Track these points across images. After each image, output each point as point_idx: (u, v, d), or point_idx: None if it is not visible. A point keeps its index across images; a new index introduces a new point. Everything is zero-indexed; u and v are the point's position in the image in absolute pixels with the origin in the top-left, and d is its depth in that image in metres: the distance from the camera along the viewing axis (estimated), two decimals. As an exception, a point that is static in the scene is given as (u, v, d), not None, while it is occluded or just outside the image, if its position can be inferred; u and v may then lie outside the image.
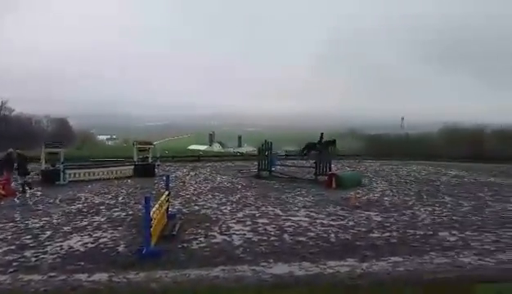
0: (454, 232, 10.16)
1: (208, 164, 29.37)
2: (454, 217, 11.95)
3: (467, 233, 10.08)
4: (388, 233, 10.01)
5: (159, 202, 9.52)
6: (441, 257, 8.17)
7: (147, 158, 22.71)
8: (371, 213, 12.45)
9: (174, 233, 9.63)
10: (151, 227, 8.03)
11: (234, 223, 10.93)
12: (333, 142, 22.41)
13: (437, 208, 13.31)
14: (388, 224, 10.96)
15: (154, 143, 25.81)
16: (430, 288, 6.44)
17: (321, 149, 20.19)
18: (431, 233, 10.09)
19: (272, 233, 9.94)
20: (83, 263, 7.59)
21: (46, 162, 19.14)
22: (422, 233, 10.09)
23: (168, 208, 11.12)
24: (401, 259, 8.05)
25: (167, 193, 11.00)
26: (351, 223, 11.12)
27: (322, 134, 23.60)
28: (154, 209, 8.52)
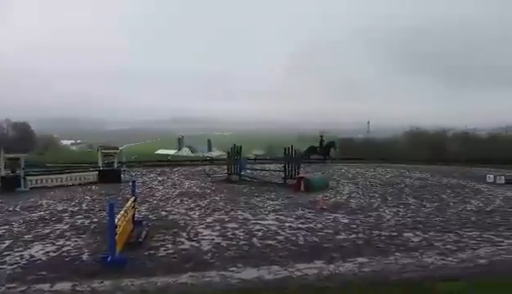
0: (418, 232, 10.47)
1: (177, 169, 29.01)
2: (417, 218, 12.32)
3: (430, 233, 10.41)
4: (354, 235, 10.20)
5: (125, 208, 9.30)
6: (405, 257, 8.39)
7: (113, 163, 22.19)
8: (338, 215, 12.66)
9: (140, 240, 9.43)
10: (116, 234, 7.82)
11: (202, 228, 10.83)
12: (332, 143, 22.51)
13: (401, 210, 13.69)
14: (354, 226, 11.17)
15: (121, 148, 25.25)
16: (395, 288, 6.57)
17: (322, 152, 20.05)
18: (396, 234, 10.36)
19: (241, 237, 9.92)
20: (45, 272, 7.31)
21: (5, 168, 18.33)
22: (387, 234, 10.34)
23: (134, 215, 10.88)
24: (367, 260, 8.21)
25: (133, 199, 10.77)
26: (319, 225, 11.26)
27: (322, 136, 23.60)
28: (119, 216, 8.32)
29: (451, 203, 15.00)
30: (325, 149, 28.62)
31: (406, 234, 10.28)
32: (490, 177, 21.39)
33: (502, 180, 20.64)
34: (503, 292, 6.31)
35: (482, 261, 8.16)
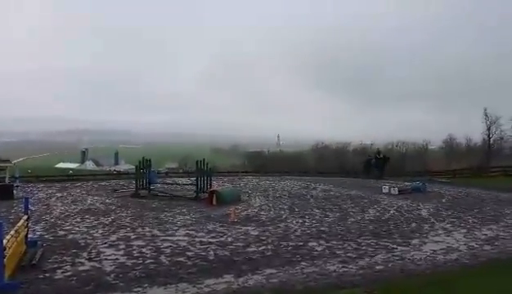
0: (321, 242, 11.01)
1: (80, 184, 27.02)
2: (321, 228, 12.98)
3: (333, 242, 11.01)
4: (263, 247, 10.39)
5: (16, 228, 8.36)
6: (310, 266, 8.74)
7: (4, 178, 19.97)
8: (249, 228, 12.81)
9: (34, 262, 8.53)
10: (5, 257, 6.98)
11: (105, 247, 10.14)
12: (387, 159, 22.75)
13: (307, 220, 14.32)
14: (264, 238, 11.38)
15: (14, 161, 22.83)
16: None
17: (377, 164, 20.13)
18: (302, 243, 10.78)
19: (148, 255, 9.49)
20: None
21: None
22: (294, 244, 10.72)
23: (27, 235, 9.82)
24: (275, 271, 8.39)
25: (26, 217, 9.71)
26: (230, 239, 11.26)
27: (379, 149, 23.71)
28: (8, 236, 7.45)
29: (351, 213, 16.09)
30: (381, 162, 28.43)
31: (310, 244, 10.75)
32: (385, 188, 23.40)
33: (396, 190, 22.72)
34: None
35: (379, 267, 8.81)
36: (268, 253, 9.79)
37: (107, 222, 13.56)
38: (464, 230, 12.80)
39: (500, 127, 55.92)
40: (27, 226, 9.85)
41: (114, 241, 10.85)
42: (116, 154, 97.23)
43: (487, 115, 56.62)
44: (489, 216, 15.49)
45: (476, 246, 10.82)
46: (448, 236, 12.00)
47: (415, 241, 11.27)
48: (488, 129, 56.94)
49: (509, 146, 53.74)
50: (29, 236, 10.17)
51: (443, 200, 20.00)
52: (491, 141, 57.21)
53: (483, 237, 11.88)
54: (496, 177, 31.72)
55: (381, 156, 28.52)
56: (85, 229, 12.29)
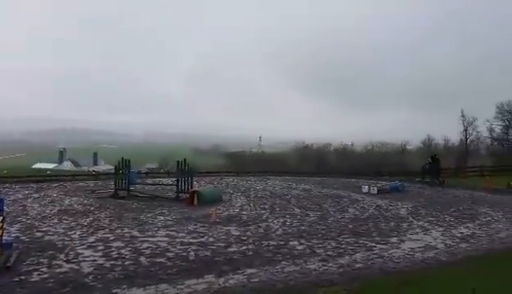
0: (302, 241, 11.08)
1: (57, 184, 26.43)
2: (302, 227, 13.07)
3: (313, 241, 11.10)
4: (245, 247, 10.39)
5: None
6: (291, 265, 8.79)
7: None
8: (230, 228, 12.79)
9: (9, 264, 8.31)
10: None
11: (84, 249, 9.96)
12: (438, 161, 23.00)
13: (288, 220, 14.38)
14: (245, 238, 11.38)
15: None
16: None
17: (431, 169, 20.55)
18: (283, 242, 10.83)
19: (128, 256, 9.37)
20: None
21: None
22: (275, 243, 10.76)
23: (1, 236, 9.54)
24: (256, 270, 8.40)
25: (0, 218, 9.45)
26: (211, 239, 11.22)
27: (435, 155, 24.07)
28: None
29: (331, 212, 16.25)
30: (436, 167, 27.61)
31: (291, 243, 10.81)
32: (365, 188, 23.70)
33: (375, 190, 23.04)
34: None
35: (358, 265, 8.93)
36: (249, 253, 9.79)
37: (85, 223, 13.31)
38: (442, 229, 13.08)
39: (477, 129, 57.42)
40: (1, 228, 9.57)
41: (92, 242, 10.66)
42: (95, 154, 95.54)
43: (464, 116, 58.10)
44: (465, 214, 15.87)
45: (453, 243, 11.09)
46: (426, 234, 12.26)
47: (393, 239, 11.47)
48: (465, 130, 58.44)
49: (485, 147, 55.19)
50: (4, 238, 9.89)
51: (421, 199, 20.40)
52: (468, 142, 58.74)
53: (460, 235, 12.18)
54: (472, 177, 32.51)
55: (435, 158, 27.98)
56: (62, 231, 12.05)
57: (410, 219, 14.82)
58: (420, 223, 14.05)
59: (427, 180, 27.09)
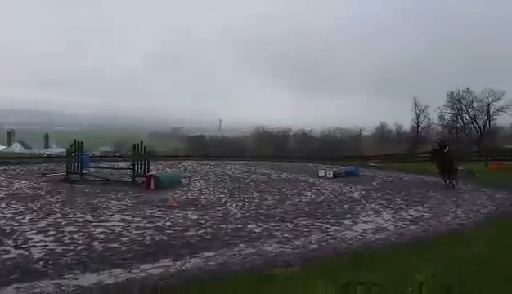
0: (260, 224, 11.20)
1: (4, 167, 25.05)
2: (260, 210, 13.21)
3: (271, 224, 11.24)
4: (202, 230, 10.35)
5: None
6: (249, 248, 8.86)
7: None
8: (188, 212, 12.69)
9: (-51, 253, 7.82)
10: None
11: (34, 234, 9.53)
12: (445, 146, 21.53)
13: (246, 203, 14.49)
14: (203, 222, 11.34)
15: None
16: (239, 278, 6.87)
17: (439, 161, 19.11)
18: (241, 226, 10.90)
19: (80, 241, 9.07)
20: None
21: None
22: (233, 227, 10.81)
23: None
24: (213, 253, 8.41)
25: None
26: (168, 223, 11.08)
27: (442, 142, 22.53)
28: None
29: (289, 196, 16.54)
30: (445, 162, 20.15)
31: (249, 226, 10.90)
32: (321, 172, 24.28)
33: (331, 174, 23.66)
34: (331, 273, 7.13)
35: (313, 247, 9.17)
36: (207, 237, 9.77)
37: (35, 208, 12.74)
38: (393, 211, 13.67)
39: (428, 116, 60.20)
40: None
41: (43, 227, 10.22)
42: (46, 137, 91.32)
43: (416, 104, 60.65)
44: (415, 198, 16.64)
45: (403, 225, 11.61)
46: (378, 216, 12.77)
47: (347, 221, 11.85)
48: (417, 117, 61.10)
49: (436, 133, 58.11)
50: None
51: (374, 183, 21.20)
52: (420, 129, 61.49)
53: (409, 217, 12.76)
54: (423, 163, 34.14)
55: (443, 145, 21.68)
56: (11, 215, 11.46)
57: (363, 202, 15.38)
58: (373, 206, 14.61)
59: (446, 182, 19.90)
